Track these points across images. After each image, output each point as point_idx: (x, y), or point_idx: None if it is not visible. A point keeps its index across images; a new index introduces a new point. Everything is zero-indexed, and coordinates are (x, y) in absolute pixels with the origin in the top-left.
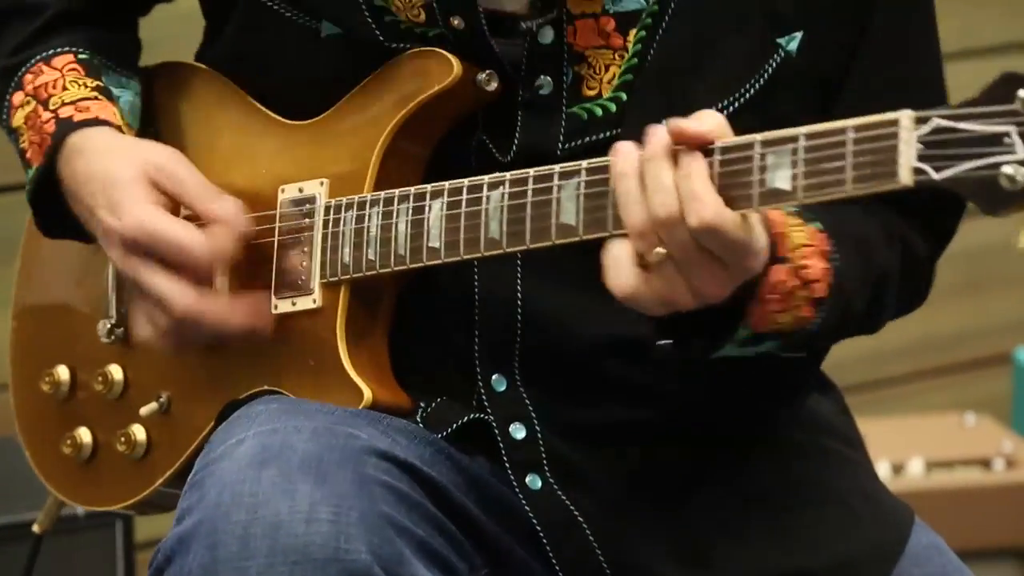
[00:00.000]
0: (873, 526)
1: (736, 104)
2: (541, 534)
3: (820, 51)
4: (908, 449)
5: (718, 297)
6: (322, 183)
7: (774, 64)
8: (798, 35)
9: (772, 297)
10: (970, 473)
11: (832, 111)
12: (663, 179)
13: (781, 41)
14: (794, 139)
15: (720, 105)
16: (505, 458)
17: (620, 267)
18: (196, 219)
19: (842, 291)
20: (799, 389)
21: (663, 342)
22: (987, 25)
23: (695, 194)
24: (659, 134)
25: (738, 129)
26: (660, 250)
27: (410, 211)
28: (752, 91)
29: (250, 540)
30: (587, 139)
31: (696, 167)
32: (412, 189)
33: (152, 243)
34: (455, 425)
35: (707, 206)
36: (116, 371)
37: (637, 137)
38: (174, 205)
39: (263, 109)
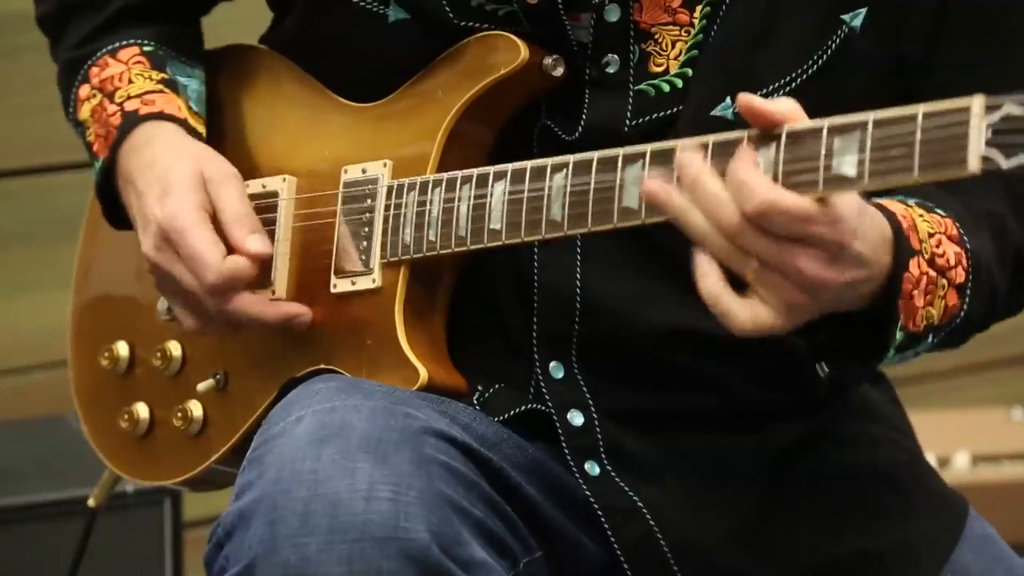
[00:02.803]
0: (930, 513)
1: (799, 80)
2: (603, 519)
3: (885, 28)
4: (954, 443)
5: (826, 284)
6: (385, 164)
7: (837, 40)
8: (862, 11)
9: (916, 292)
10: (1016, 468)
11: (918, 91)
12: (715, 192)
13: (845, 17)
14: (863, 124)
15: (783, 81)
16: (564, 444)
17: (730, 306)
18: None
19: (981, 271)
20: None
21: (826, 373)
22: None
23: (741, 182)
24: (692, 160)
25: (801, 105)
26: (753, 263)
27: (472, 193)
28: (815, 67)
29: (310, 517)
30: (654, 116)
31: (737, 162)
32: (475, 171)
33: (177, 241)
34: (512, 412)
35: (755, 188)
36: (174, 347)
37: (698, 113)
38: (214, 214)
39: (327, 91)
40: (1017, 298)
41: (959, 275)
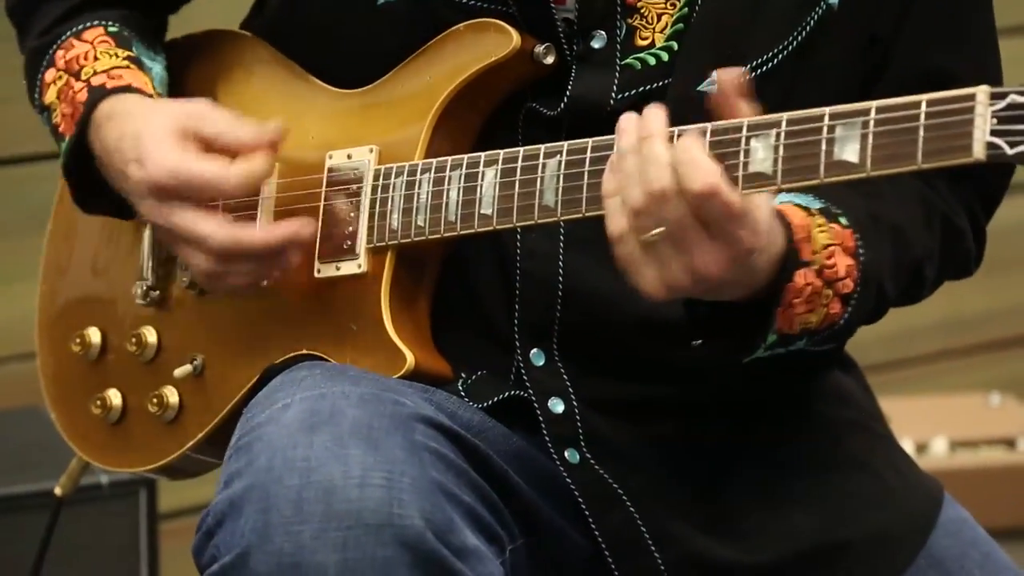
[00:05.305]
0: (906, 498)
1: (781, 55)
2: (584, 507)
3: (863, 4)
4: (932, 428)
5: (715, 278)
6: (371, 150)
7: (816, 16)
8: None
9: (798, 301)
10: (994, 453)
11: (885, 67)
12: (658, 154)
13: None
14: (865, 112)
15: (766, 56)
16: (544, 432)
17: (635, 254)
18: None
19: (870, 283)
20: (823, 362)
21: (696, 343)
22: (1016, 4)
23: (694, 161)
24: (655, 114)
25: (782, 81)
26: (656, 231)
27: (462, 178)
28: (795, 42)
29: (304, 504)
30: (640, 89)
31: (691, 139)
32: (465, 157)
33: (181, 184)
34: (496, 399)
35: (707, 171)
36: (150, 333)
37: (685, 88)
38: (211, 149)
39: (311, 77)
40: (909, 299)
41: (846, 286)
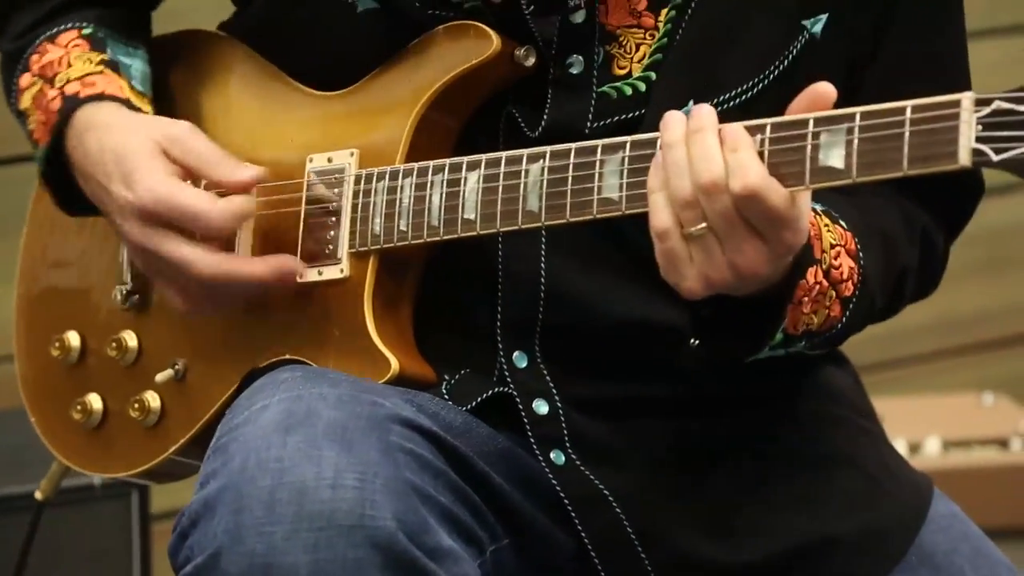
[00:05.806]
0: (896, 494)
1: (760, 85)
2: (570, 508)
3: (844, 33)
4: (925, 428)
5: (756, 274)
6: (352, 153)
7: (799, 46)
8: (823, 17)
9: (807, 299)
10: (987, 452)
11: (860, 90)
12: (709, 147)
13: (807, 23)
14: (850, 118)
15: (745, 86)
16: (529, 433)
17: (678, 249)
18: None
19: (867, 289)
20: (814, 359)
21: (693, 343)
22: (1012, 3)
23: (740, 162)
24: (707, 109)
25: (762, 111)
26: (702, 225)
27: (445, 182)
28: (776, 73)
29: (276, 505)
30: (615, 118)
31: (742, 139)
32: (447, 160)
33: (168, 212)
34: (480, 398)
35: (752, 172)
36: (130, 337)
37: (661, 116)
38: (190, 176)
39: (290, 80)
40: (889, 312)
41: (847, 289)
